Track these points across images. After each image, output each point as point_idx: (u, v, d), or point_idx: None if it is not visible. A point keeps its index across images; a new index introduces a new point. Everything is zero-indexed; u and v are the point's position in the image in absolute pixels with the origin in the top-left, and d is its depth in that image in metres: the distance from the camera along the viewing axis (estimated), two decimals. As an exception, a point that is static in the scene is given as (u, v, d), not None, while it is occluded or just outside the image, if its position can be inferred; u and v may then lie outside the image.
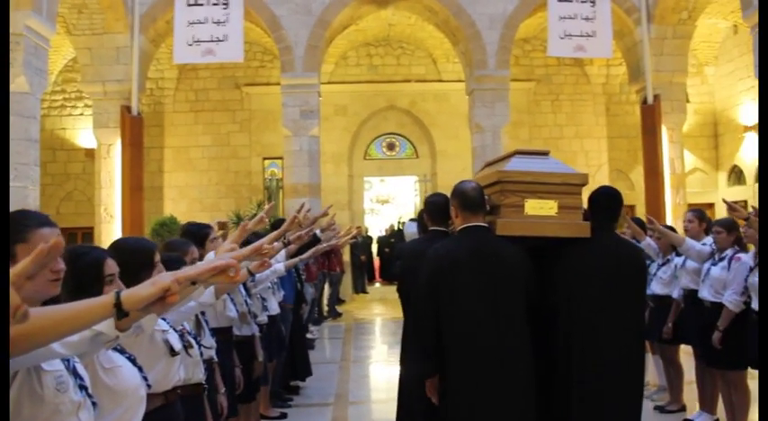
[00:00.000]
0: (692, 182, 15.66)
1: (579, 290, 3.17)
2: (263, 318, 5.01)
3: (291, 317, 6.51)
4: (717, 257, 5.03)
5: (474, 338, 2.97)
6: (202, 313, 3.34)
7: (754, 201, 14.48)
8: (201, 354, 2.95)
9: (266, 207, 6.48)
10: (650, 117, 12.83)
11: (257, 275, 4.68)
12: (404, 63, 16.94)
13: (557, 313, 3.20)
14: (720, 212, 15.69)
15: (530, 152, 3.34)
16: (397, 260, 4.30)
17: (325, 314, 13.40)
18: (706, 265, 5.07)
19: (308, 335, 10.31)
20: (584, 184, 3.24)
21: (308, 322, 10.71)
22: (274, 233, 3.55)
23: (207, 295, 2.91)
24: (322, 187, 15.47)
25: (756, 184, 14.89)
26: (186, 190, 16.67)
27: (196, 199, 16.73)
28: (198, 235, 3.91)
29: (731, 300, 4.75)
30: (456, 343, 2.98)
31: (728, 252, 4.95)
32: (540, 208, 3.15)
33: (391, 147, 17.38)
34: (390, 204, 22.10)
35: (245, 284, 4.42)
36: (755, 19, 10.01)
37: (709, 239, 5.31)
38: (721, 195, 16.02)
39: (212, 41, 12.54)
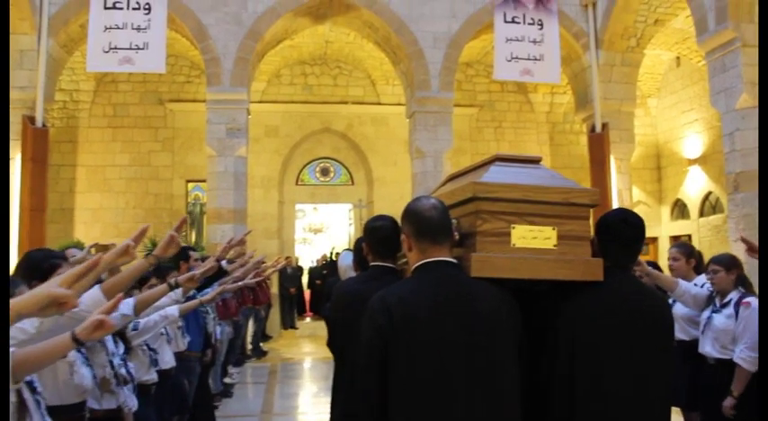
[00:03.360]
0: (636, 215, 15.17)
1: (587, 354, 2.20)
2: (149, 377, 3.87)
3: (199, 367, 5.35)
4: (718, 303, 4.16)
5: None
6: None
7: (697, 236, 14.07)
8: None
9: (238, 237, 5.39)
10: (599, 146, 12.22)
11: (141, 322, 3.57)
12: (341, 83, 16.01)
13: (554, 386, 2.22)
14: (663, 248, 15.23)
15: (515, 158, 2.37)
16: (327, 302, 3.25)
17: (248, 353, 12.15)
18: (705, 313, 4.19)
19: (227, 380, 9.10)
20: (594, 205, 2.29)
21: (228, 364, 9.49)
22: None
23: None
24: (249, 213, 14.31)
25: (700, 219, 14.50)
26: (100, 213, 15.22)
27: (111, 223, 15.28)
28: (40, 267, 2.79)
29: (745, 357, 3.87)
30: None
31: (732, 295, 4.09)
32: (532, 237, 2.18)
33: (325, 172, 16.35)
34: (324, 233, 21.01)
35: (121, 336, 3.30)
36: (712, 44, 9.52)
37: (700, 279, 4.46)
38: (665, 230, 15.61)
39: (131, 49, 11.35)
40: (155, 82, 15.42)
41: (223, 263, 5.45)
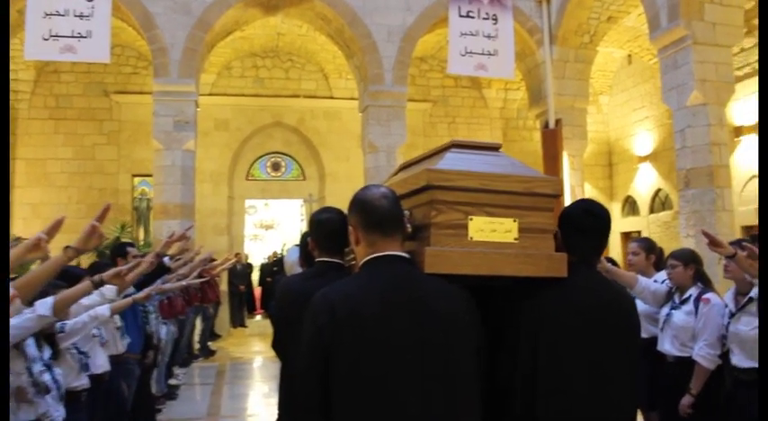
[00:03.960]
0: (588, 212, 15.26)
1: (550, 354, 2.04)
2: (78, 383, 3.59)
3: (138, 370, 5.06)
4: (677, 299, 4.06)
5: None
6: None
7: (647, 232, 14.20)
8: None
9: (180, 232, 5.04)
10: (552, 142, 12.20)
11: (68, 324, 3.29)
12: (293, 77, 15.70)
13: (515, 386, 2.06)
14: (615, 244, 15.36)
15: (473, 145, 2.18)
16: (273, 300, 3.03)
17: (196, 352, 11.80)
18: (664, 310, 4.08)
19: (172, 381, 8.77)
20: (558, 196, 2.12)
21: (173, 365, 9.16)
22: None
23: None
24: (198, 209, 13.93)
25: (650, 216, 14.65)
26: (41, 208, 14.61)
27: (52, 218, 14.52)
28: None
29: (704, 355, 3.78)
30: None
31: (692, 291, 3.99)
32: (491, 230, 2.00)
33: (276, 167, 16.03)
34: (275, 230, 20.65)
35: (47, 339, 3.02)
36: (664, 41, 9.55)
37: (660, 276, 4.36)
38: (616, 226, 15.73)
39: (73, 37, 10.86)
40: (100, 73, 14.89)
41: (165, 259, 5.17)
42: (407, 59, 12.14)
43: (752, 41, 11.52)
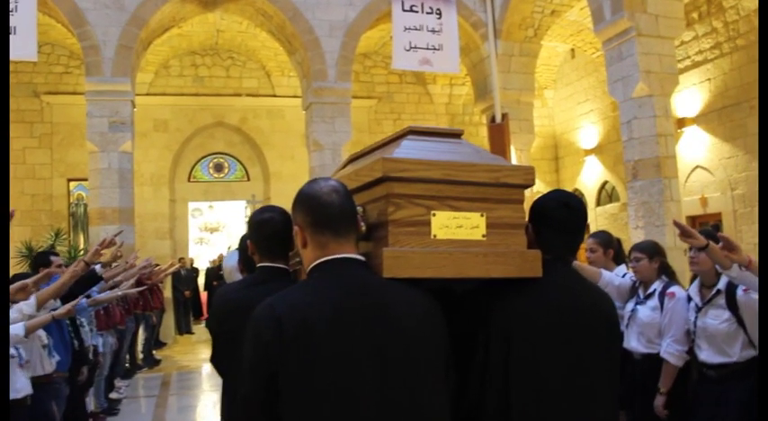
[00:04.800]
0: (536, 206, 15.29)
1: (524, 363, 1.81)
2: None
3: (67, 389, 4.67)
4: (642, 294, 3.89)
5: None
6: None
7: (595, 225, 14.28)
8: None
9: (108, 237, 4.67)
10: (499, 137, 12.11)
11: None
12: (234, 75, 15.27)
13: (487, 399, 1.83)
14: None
15: (432, 131, 1.93)
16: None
17: (139, 362, 11.31)
18: (629, 305, 3.92)
19: (113, 395, 8.33)
20: (528, 186, 1.89)
21: (114, 378, 8.71)
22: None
23: None
24: (139, 213, 13.43)
25: (597, 208, 14.74)
26: (-31, 217, 13.82)
27: (-18, 227, 13.92)
28: None
29: (672, 352, 3.62)
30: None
31: (656, 285, 3.83)
32: (457, 226, 1.76)
33: (219, 168, 15.57)
34: (220, 232, 20.13)
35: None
36: (608, 34, 9.53)
37: (621, 269, 4.20)
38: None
39: (-4, 35, 10.25)
40: (28, 72, 14.20)
41: (97, 267, 4.80)
42: (351, 55, 11.88)
43: (691, 34, 11.65)
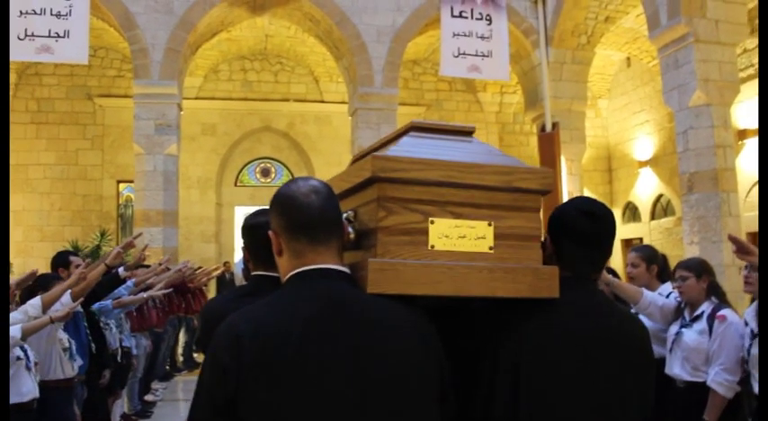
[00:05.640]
0: (587, 218, 14.84)
1: (537, 400, 1.55)
2: None
3: (84, 392, 4.57)
4: (688, 316, 3.56)
5: None
6: None
7: (648, 239, 13.75)
8: None
9: (128, 239, 4.65)
10: (549, 146, 11.72)
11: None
12: (282, 80, 15.26)
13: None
14: (615, 252, 14.90)
15: (438, 128, 1.70)
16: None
17: (179, 365, 11.30)
18: (673, 328, 3.58)
19: (149, 397, 8.29)
20: (546, 192, 1.64)
21: (151, 380, 8.67)
22: None
23: None
24: (186, 216, 13.53)
25: (651, 222, 14.21)
26: (23, 215, 14.16)
27: (35, 226, 14.26)
28: None
29: (721, 381, 3.28)
30: None
31: (704, 307, 3.49)
32: (459, 237, 1.53)
33: (266, 173, 15.56)
34: (267, 237, 20.17)
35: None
36: (664, 40, 9.12)
37: (665, 288, 3.86)
38: (617, 233, 15.25)
39: (50, 37, 10.45)
40: (83, 76, 14.46)
41: (120, 270, 4.69)
42: (398, 61, 11.70)
43: (755, 42, 11.09)
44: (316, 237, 1.44)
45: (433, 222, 1.51)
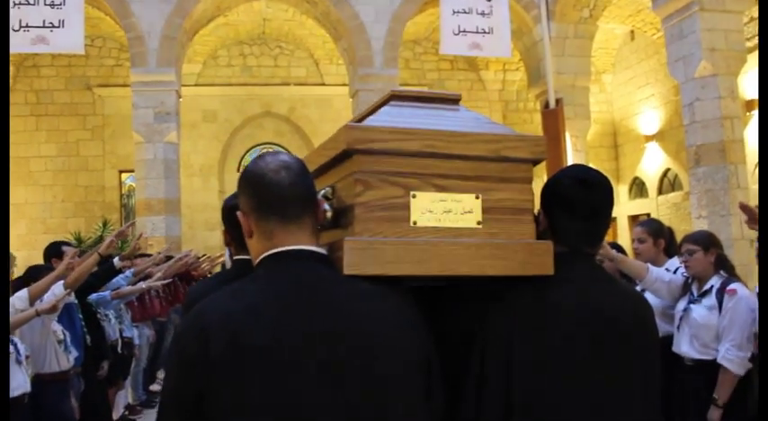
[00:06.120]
0: (593, 195, 14.67)
1: (531, 384, 1.44)
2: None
3: (81, 384, 4.49)
4: (695, 291, 3.43)
5: None
6: None
7: (656, 214, 13.59)
8: None
9: (122, 228, 4.58)
10: (553, 122, 11.43)
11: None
12: (282, 64, 15.08)
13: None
14: (623, 229, 14.75)
15: (421, 96, 1.58)
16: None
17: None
18: (681, 304, 3.45)
19: (155, 387, 8.26)
20: (538, 161, 1.52)
21: (157, 370, 8.63)
22: None
23: None
24: (188, 204, 13.45)
25: (659, 197, 14.04)
26: (25, 208, 14.11)
27: (38, 218, 14.21)
28: None
29: (732, 358, 3.16)
30: None
31: (713, 282, 3.35)
32: (443, 211, 1.41)
33: (268, 158, 15.42)
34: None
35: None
36: (668, 10, 8.92)
37: (672, 263, 3.73)
38: (623, 209, 15.11)
39: (45, 28, 10.32)
40: (81, 66, 14.34)
41: (115, 260, 4.61)
42: (397, 40, 11.53)
43: (762, 10, 10.85)
44: (287, 216, 1.33)
45: (415, 196, 1.39)
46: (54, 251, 4.53)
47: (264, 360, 1.21)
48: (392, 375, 1.28)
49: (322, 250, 1.36)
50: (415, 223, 1.39)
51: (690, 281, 3.48)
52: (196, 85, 14.38)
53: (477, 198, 1.44)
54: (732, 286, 3.25)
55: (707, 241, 3.43)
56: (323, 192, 1.46)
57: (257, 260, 1.37)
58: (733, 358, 3.15)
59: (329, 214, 1.43)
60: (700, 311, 3.32)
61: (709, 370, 3.22)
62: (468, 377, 1.49)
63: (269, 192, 1.32)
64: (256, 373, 1.20)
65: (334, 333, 1.25)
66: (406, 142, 1.38)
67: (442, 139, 1.40)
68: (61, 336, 4.12)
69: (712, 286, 3.34)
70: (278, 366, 1.21)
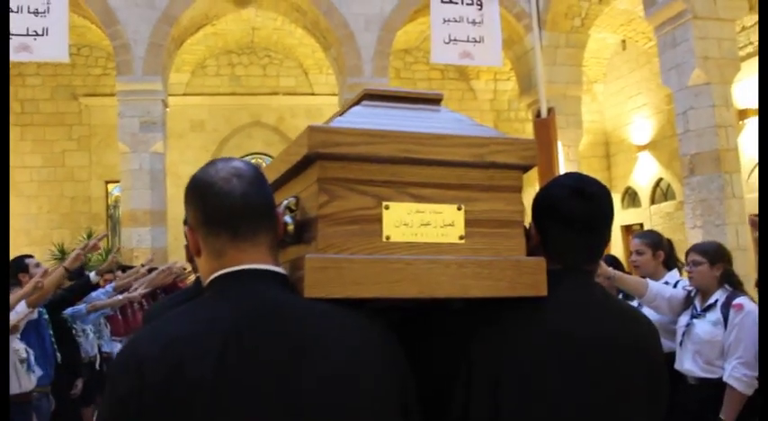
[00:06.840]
0: (586, 205, 14.55)
1: (525, 417, 1.27)
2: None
3: (52, 404, 4.28)
4: (699, 306, 3.26)
5: None
6: None
7: (649, 224, 13.47)
8: None
9: (91, 241, 4.34)
10: (545, 132, 11.42)
11: None
12: (271, 73, 14.92)
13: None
14: (616, 239, 14.62)
15: (396, 95, 1.40)
16: None
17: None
18: (683, 319, 3.29)
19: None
20: (528, 167, 1.35)
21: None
22: None
23: None
24: (176, 215, 13.15)
25: (652, 207, 13.94)
26: (10, 220, 13.82)
27: (22, 230, 13.95)
28: None
29: (739, 376, 2.99)
30: None
31: (718, 296, 3.19)
32: (421, 224, 1.24)
33: (257, 168, 15.25)
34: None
35: None
36: (661, 18, 8.82)
37: (672, 276, 3.56)
38: (616, 219, 14.92)
39: (29, 35, 10.15)
40: (67, 75, 14.15)
41: (92, 275, 4.41)
42: (387, 49, 11.40)
43: (754, 19, 10.78)
44: (239, 233, 1.15)
45: (387, 208, 1.22)
46: (17, 266, 4.31)
47: (208, 396, 1.03)
48: (362, 409, 1.10)
49: (281, 269, 1.19)
50: (387, 238, 1.22)
51: (692, 294, 3.31)
52: (184, 95, 14.21)
53: (459, 209, 1.26)
54: (738, 300, 3.08)
55: (714, 254, 3.26)
56: (285, 202, 1.29)
57: (206, 281, 1.20)
58: (740, 377, 2.97)
59: (291, 228, 1.25)
60: (704, 327, 3.15)
61: (715, 388, 3.04)
62: (451, 412, 1.32)
63: (218, 205, 1.15)
64: (198, 411, 1.02)
65: (291, 365, 1.07)
66: (378, 146, 1.20)
67: (420, 143, 1.23)
68: (24, 355, 3.91)
69: (717, 300, 3.17)
70: (224, 403, 1.03)
